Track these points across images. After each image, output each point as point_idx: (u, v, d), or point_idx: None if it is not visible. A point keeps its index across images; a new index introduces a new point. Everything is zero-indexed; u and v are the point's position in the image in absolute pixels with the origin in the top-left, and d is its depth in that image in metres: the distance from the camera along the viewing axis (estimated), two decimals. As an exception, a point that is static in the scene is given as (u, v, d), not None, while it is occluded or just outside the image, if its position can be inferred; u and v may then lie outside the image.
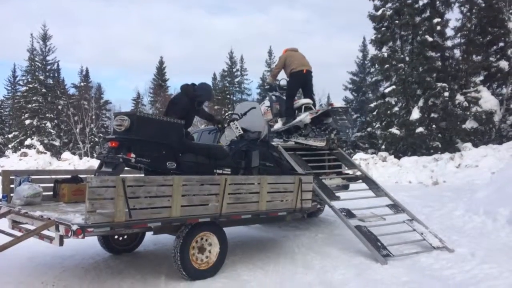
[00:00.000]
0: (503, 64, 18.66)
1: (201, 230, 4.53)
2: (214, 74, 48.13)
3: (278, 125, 7.69)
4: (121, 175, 4.02)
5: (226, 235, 4.80)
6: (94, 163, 16.82)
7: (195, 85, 5.52)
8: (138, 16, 77.47)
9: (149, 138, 4.46)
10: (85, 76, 45.45)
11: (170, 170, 4.61)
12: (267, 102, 8.13)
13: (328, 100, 46.54)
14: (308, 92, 7.67)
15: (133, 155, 4.35)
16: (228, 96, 45.87)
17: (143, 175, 4.74)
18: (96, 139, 39.50)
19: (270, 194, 5.04)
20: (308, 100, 7.50)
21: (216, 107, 42.65)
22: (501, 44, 19.64)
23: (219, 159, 5.15)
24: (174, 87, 52.56)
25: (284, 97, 7.75)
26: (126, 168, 4.67)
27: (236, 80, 47.24)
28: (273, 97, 7.97)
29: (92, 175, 4.27)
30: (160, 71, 47.61)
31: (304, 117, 7.03)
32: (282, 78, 7.99)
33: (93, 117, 39.90)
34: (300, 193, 5.31)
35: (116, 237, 5.43)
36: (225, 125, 5.98)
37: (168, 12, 78.93)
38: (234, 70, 47.47)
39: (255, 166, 5.39)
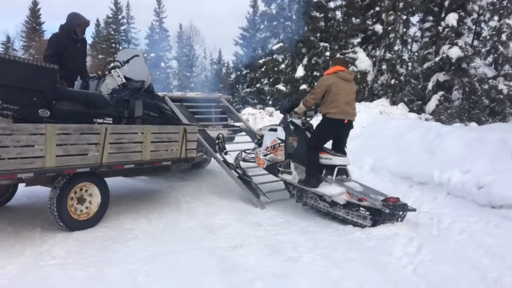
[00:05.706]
0: (378, 27, 20.19)
1: (80, 180, 4.39)
2: (98, 21, 44.44)
3: (288, 177, 5.53)
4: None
5: (108, 185, 4.71)
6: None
7: None
8: None
9: (16, 83, 4.05)
10: None
11: (43, 119, 4.29)
12: (279, 132, 5.71)
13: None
14: (341, 145, 5.46)
15: (-4, 101, 3.94)
16: (113, 45, 42.90)
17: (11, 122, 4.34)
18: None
19: (154, 144, 5.02)
20: (343, 161, 5.26)
21: (100, 56, 39.78)
22: (377, 8, 21.16)
23: (99, 108, 4.91)
24: (50, 30, 47.40)
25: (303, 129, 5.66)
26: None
27: (122, 28, 44.27)
28: (291, 127, 5.67)
29: None
30: (34, 13, 42.59)
31: (337, 195, 4.90)
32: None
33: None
34: (185, 142, 5.38)
35: (-18, 191, 4.99)
36: (106, 73, 5.68)
37: None
38: (120, 17, 44.33)
39: (139, 116, 5.26)
